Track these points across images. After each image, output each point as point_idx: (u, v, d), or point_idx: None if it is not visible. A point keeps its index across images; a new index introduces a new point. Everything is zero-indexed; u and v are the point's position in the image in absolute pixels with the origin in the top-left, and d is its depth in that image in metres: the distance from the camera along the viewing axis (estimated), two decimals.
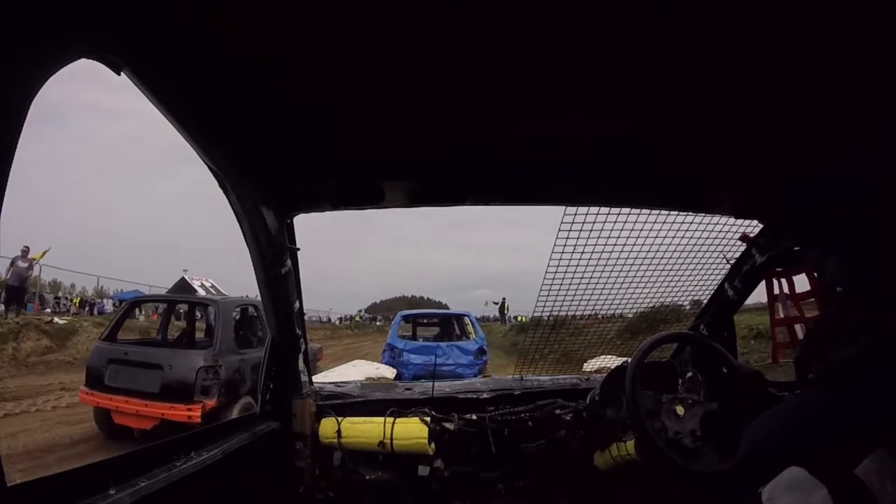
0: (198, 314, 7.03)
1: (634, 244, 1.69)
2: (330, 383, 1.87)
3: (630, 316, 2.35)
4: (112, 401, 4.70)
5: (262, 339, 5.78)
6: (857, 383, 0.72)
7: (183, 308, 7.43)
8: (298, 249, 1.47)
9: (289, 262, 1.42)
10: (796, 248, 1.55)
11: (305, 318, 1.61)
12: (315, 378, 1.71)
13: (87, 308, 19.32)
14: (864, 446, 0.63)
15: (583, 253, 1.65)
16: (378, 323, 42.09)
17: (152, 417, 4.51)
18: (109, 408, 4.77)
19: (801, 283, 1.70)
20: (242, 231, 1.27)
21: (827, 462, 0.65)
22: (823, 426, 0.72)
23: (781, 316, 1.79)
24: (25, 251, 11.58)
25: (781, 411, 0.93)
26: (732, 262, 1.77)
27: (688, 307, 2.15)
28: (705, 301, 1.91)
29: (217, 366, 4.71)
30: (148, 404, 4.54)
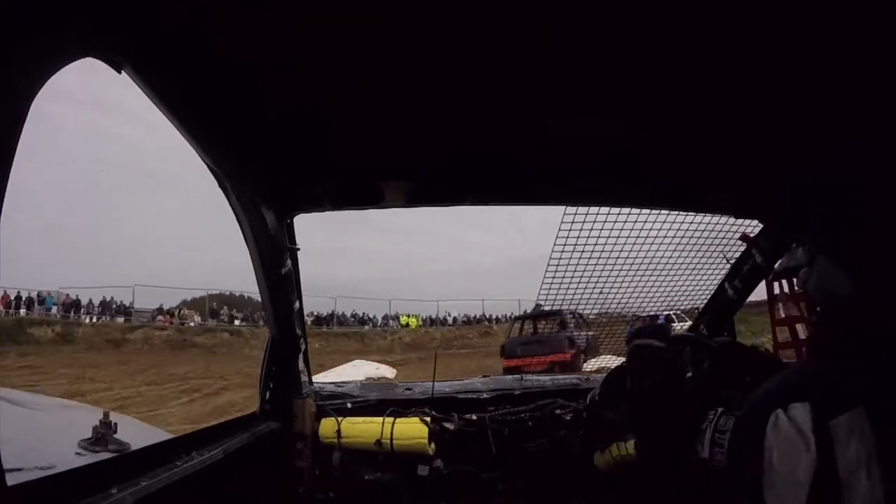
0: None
1: (634, 244, 1.69)
2: (330, 383, 1.87)
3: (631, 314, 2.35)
4: (523, 361, 9.75)
5: (576, 325, 10.00)
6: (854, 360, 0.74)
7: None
8: (298, 249, 1.47)
9: (289, 262, 1.42)
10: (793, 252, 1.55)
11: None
12: (315, 378, 1.71)
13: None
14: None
15: (582, 253, 1.65)
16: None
17: (545, 363, 9.32)
18: (521, 365, 9.47)
19: None
20: (242, 231, 1.27)
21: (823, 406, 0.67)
22: (812, 387, 0.74)
23: (782, 316, 1.79)
24: None
25: (777, 376, 0.94)
26: (732, 262, 1.77)
27: (687, 307, 2.15)
28: (705, 301, 1.91)
29: (571, 337, 9.36)
30: (543, 359, 9.47)
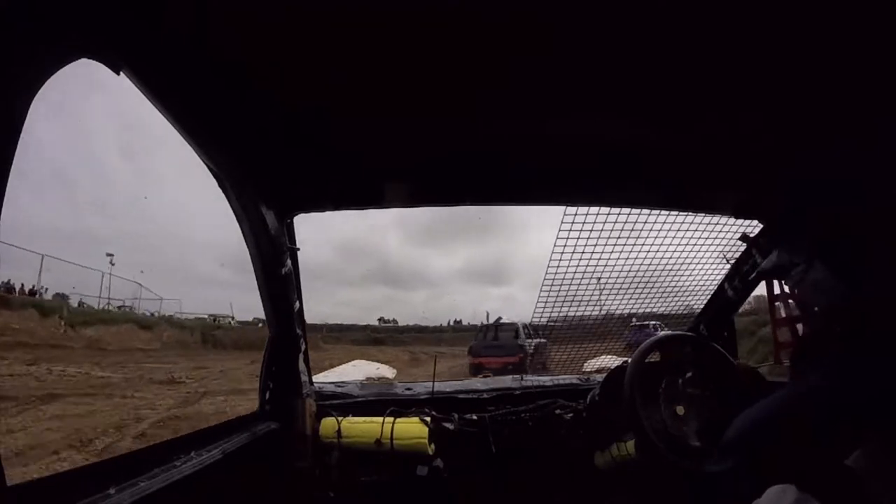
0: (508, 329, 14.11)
1: (634, 244, 1.69)
2: (330, 383, 1.87)
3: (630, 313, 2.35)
4: (485, 359, 11.92)
5: (537, 335, 10.26)
6: (831, 377, 0.75)
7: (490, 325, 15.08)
8: (298, 249, 1.47)
9: (289, 262, 1.42)
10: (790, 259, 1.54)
11: None
12: (315, 378, 1.71)
13: None
14: (845, 442, 0.67)
15: (583, 253, 1.65)
16: None
17: (501, 363, 11.28)
18: (483, 363, 11.63)
19: None
20: (242, 231, 1.27)
21: (816, 473, 0.68)
22: (797, 411, 0.76)
23: (783, 316, 1.79)
24: None
25: (763, 402, 0.96)
26: (732, 262, 1.77)
27: (687, 307, 2.15)
28: (705, 301, 1.90)
29: (522, 344, 11.79)
30: (499, 359, 11.63)
